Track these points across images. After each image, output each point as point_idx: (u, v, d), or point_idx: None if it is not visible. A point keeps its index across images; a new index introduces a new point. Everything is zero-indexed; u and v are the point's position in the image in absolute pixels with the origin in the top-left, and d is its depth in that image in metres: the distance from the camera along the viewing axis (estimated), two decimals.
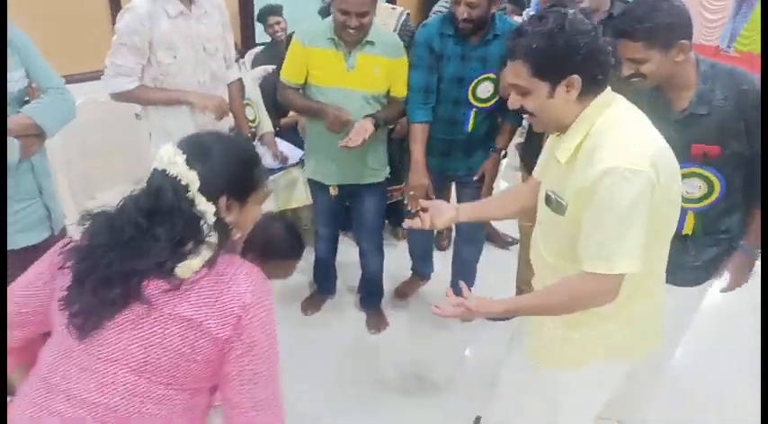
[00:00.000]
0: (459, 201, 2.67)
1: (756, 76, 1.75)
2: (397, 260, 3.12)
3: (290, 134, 3.36)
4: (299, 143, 3.21)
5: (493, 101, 2.37)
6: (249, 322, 1.06)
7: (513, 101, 1.39)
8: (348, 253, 3.06)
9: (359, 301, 2.97)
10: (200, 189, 1.06)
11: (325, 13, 3.47)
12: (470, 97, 2.35)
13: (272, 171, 3.12)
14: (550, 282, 1.47)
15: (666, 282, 1.58)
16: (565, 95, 1.31)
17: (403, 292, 3.06)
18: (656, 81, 1.67)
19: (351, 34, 2.19)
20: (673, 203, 1.37)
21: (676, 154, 1.49)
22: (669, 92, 1.71)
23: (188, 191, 1.06)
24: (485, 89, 2.33)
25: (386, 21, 2.87)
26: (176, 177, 1.06)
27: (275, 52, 3.45)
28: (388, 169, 2.58)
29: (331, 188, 2.52)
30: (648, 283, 1.44)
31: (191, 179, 1.06)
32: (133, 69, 2.22)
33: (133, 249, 1.03)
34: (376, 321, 2.85)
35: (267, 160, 3.09)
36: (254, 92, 3.15)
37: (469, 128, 2.40)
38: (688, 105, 1.67)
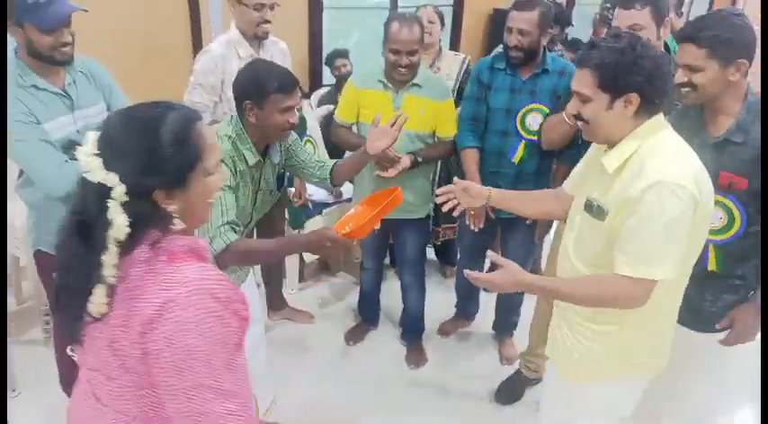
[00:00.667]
0: (505, 247, 2.73)
1: None
2: (443, 298, 3.18)
3: None
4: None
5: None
6: (150, 334, 0.96)
7: (572, 107, 1.49)
8: (394, 287, 3.15)
9: (400, 335, 3.04)
10: (128, 192, 0.96)
11: None
12: (519, 127, 2.41)
13: (328, 204, 3.29)
14: None
15: (682, 324, 1.65)
16: (622, 110, 1.41)
17: (445, 330, 3.10)
18: (704, 97, 1.68)
19: (401, 73, 2.33)
20: (707, 224, 1.46)
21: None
22: (710, 115, 1.72)
23: (111, 197, 0.96)
24: (533, 120, 2.39)
25: (450, 66, 3.06)
26: (98, 182, 0.96)
27: (338, 92, 3.67)
28: (430, 206, 2.67)
29: None
30: (671, 301, 1.51)
31: (114, 183, 0.96)
32: (207, 106, 2.48)
33: (71, 270, 1.00)
34: (415, 356, 2.89)
35: (322, 195, 3.27)
36: (315, 130, 3.35)
37: (516, 158, 2.44)
38: (725, 132, 1.68)
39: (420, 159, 2.41)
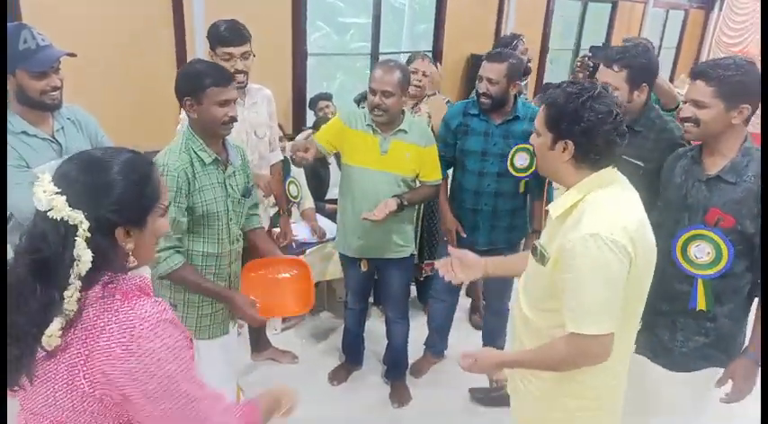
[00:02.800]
0: (486, 282, 2.79)
1: None
2: (423, 336, 3.19)
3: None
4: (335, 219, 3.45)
5: (530, 171, 2.55)
6: (116, 376, 0.99)
7: (532, 139, 1.56)
8: (377, 326, 3.18)
9: (384, 372, 3.05)
10: (91, 230, 1.00)
11: (360, 101, 3.83)
12: (510, 168, 2.56)
13: (310, 244, 3.34)
14: (524, 336, 1.61)
15: (658, 364, 1.73)
16: (560, 153, 1.45)
17: (417, 369, 3.11)
18: (705, 134, 1.76)
19: (376, 114, 2.41)
20: (643, 280, 1.47)
21: (693, 214, 1.71)
22: (708, 153, 1.80)
23: (76, 234, 0.99)
24: (521, 158, 2.55)
25: (431, 107, 3.24)
26: (61, 219, 0.99)
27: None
28: (413, 246, 2.74)
29: (362, 263, 2.69)
30: (611, 363, 1.48)
31: (79, 220, 0.99)
32: None
33: (22, 307, 0.99)
34: (399, 394, 2.90)
35: (306, 234, 3.31)
36: (298, 171, 3.42)
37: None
38: (719, 170, 1.75)
39: (405, 203, 2.48)
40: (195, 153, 1.88)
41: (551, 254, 1.46)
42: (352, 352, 3.07)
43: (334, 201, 3.64)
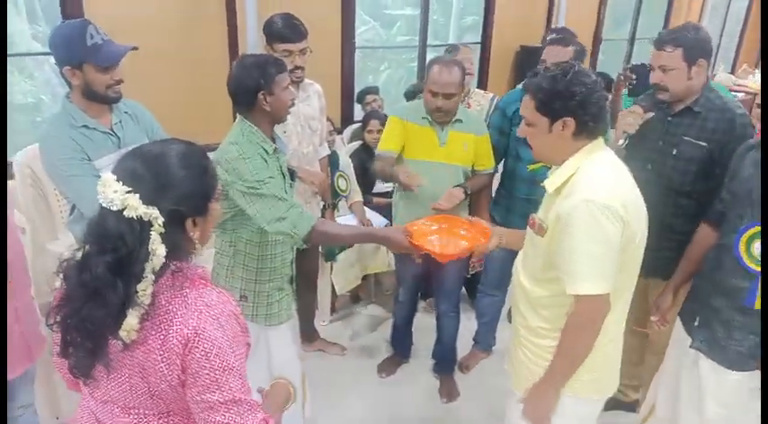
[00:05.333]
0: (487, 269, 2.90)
1: None
2: (470, 332, 3.17)
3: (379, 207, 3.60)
4: (385, 213, 3.44)
5: None
6: (191, 354, 1.04)
7: (521, 131, 1.61)
8: (424, 320, 3.16)
9: (433, 367, 3.03)
10: (165, 223, 1.04)
11: (410, 95, 3.81)
12: None
13: None
14: (521, 304, 1.67)
15: (709, 356, 1.77)
16: (560, 133, 1.50)
17: (465, 365, 3.09)
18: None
19: (439, 115, 2.42)
20: (636, 247, 1.51)
21: (757, 210, 1.72)
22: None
23: (151, 230, 1.03)
24: None
25: (481, 103, 3.27)
26: (137, 217, 1.02)
27: (365, 126, 3.77)
28: None
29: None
30: (611, 326, 1.54)
31: (154, 217, 1.03)
32: None
33: (100, 303, 1.02)
34: (448, 388, 2.89)
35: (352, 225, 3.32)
36: (347, 165, 3.44)
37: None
38: None
39: (468, 191, 2.48)
40: (260, 144, 1.90)
41: (549, 225, 1.52)
42: (401, 345, 3.07)
43: (382, 194, 3.67)
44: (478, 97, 3.33)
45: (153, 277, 1.04)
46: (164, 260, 1.04)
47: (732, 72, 8.29)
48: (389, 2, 4.95)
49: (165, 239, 1.04)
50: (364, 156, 3.62)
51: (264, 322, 2.04)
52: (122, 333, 1.02)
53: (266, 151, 1.91)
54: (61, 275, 1.08)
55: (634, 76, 2.51)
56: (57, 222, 2.66)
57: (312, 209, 2.79)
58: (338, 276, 3.25)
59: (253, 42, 3.44)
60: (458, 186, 2.46)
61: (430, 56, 4.86)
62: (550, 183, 1.55)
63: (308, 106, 2.63)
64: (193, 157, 1.12)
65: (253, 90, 1.85)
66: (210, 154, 1.24)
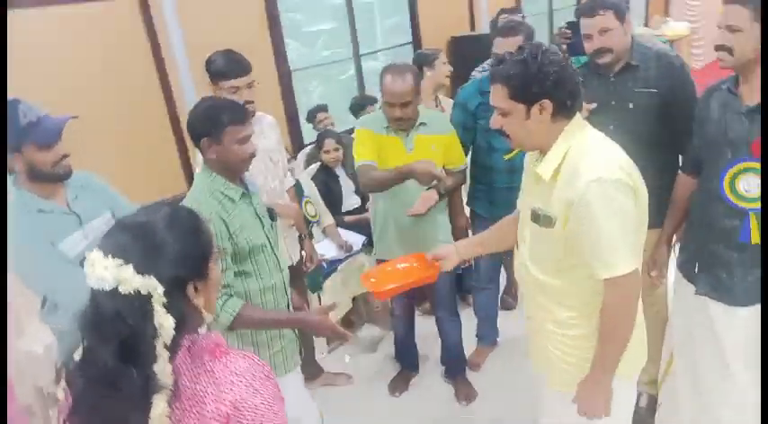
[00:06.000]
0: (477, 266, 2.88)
1: None
2: (468, 329, 3.10)
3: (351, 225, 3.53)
4: (358, 230, 3.38)
5: None
6: None
7: (495, 122, 1.53)
8: (425, 327, 3.10)
9: (443, 372, 2.99)
10: (165, 293, 0.95)
11: (357, 108, 3.78)
12: None
13: (340, 261, 3.27)
14: (541, 300, 1.61)
15: (716, 299, 1.81)
16: (539, 117, 1.45)
17: (475, 363, 3.05)
18: (739, 61, 1.70)
19: (400, 123, 2.37)
20: (644, 215, 1.50)
21: (737, 148, 1.70)
22: (744, 85, 1.75)
23: (151, 302, 0.94)
24: None
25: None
26: (134, 292, 0.93)
27: (320, 147, 3.70)
28: (452, 240, 2.66)
29: None
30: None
31: (152, 287, 0.94)
32: None
33: (119, 397, 0.92)
34: (465, 390, 2.85)
35: (333, 251, 3.25)
36: (311, 190, 3.35)
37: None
38: (759, 100, 1.69)
39: (442, 192, 2.43)
40: (222, 193, 1.79)
41: (557, 214, 1.47)
42: (408, 358, 3.01)
43: (351, 212, 3.60)
44: (447, 103, 3.36)
45: (167, 354, 0.94)
46: (173, 332, 0.95)
47: (646, 24, 8.63)
48: (305, 19, 4.87)
49: (169, 310, 0.95)
50: (325, 178, 3.55)
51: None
52: (154, 422, 0.93)
53: (231, 199, 1.80)
54: (63, 383, 0.98)
55: (570, 32, 2.57)
56: (21, 317, 2.47)
57: (290, 243, 2.70)
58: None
59: (188, 86, 3.34)
60: (431, 188, 2.41)
61: (365, 64, 4.84)
62: (544, 171, 1.49)
63: (266, 139, 2.53)
64: (182, 218, 1.05)
65: (196, 134, 1.77)
66: None
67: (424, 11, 5.15)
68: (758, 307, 1.82)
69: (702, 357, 1.98)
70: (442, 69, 3.38)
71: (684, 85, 2.15)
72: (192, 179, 3.65)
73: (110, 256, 0.94)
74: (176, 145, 3.49)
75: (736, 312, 1.85)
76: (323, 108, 4.03)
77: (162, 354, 0.94)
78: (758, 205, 1.73)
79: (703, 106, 1.89)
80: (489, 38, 2.74)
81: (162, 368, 0.93)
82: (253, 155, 1.83)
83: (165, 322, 0.94)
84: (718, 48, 1.74)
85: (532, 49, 1.44)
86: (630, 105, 2.17)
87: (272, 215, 2.00)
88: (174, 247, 0.99)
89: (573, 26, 2.52)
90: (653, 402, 2.50)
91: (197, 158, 2.41)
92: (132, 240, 0.97)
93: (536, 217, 1.55)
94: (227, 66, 2.30)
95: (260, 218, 1.90)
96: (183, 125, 3.43)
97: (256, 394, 0.99)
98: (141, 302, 0.93)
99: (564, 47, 2.88)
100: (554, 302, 1.59)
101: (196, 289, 1.02)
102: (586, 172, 1.40)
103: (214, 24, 3.54)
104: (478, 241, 1.99)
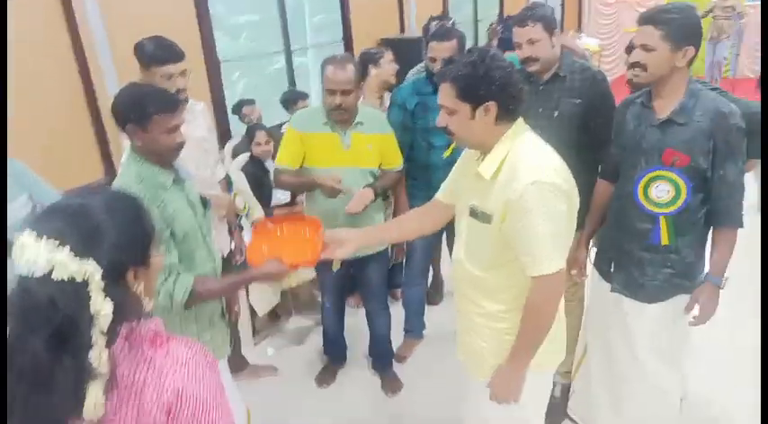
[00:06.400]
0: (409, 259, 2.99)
1: (741, 101, 1.95)
2: (396, 323, 3.18)
3: None
4: None
5: None
6: (177, 420, 0.95)
7: (441, 120, 1.59)
8: (352, 320, 3.15)
9: (371, 365, 3.04)
10: (104, 278, 0.90)
11: (287, 103, 3.77)
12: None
13: None
14: (472, 294, 1.69)
15: (629, 296, 1.96)
16: (483, 118, 1.52)
17: (402, 355, 3.13)
18: (652, 77, 1.86)
19: (339, 113, 2.37)
20: (574, 214, 1.57)
21: (650, 157, 1.84)
22: (657, 97, 1.91)
23: (88, 288, 0.89)
24: None
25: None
26: (68, 278, 0.87)
27: (250, 139, 3.67)
28: None
29: (335, 263, 2.61)
30: None
31: (89, 272, 0.89)
32: None
33: (50, 387, 0.87)
34: (391, 383, 2.92)
35: None
36: (241, 182, 3.30)
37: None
38: (670, 113, 1.86)
39: (379, 191, 2.47)
40: (151, 179, 1.73)
41: (494, 211, 1.54)
42: (336, 351, 3.04)
43: (282, 206, 3.57)
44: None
45: (104, 340, 0.89)
46: (110, 318, 0.89)
47: None
48: (227, 10, 4.77)
49: (107, 297, 0.90)
50: (255, 170, 3.50)
51: None
52: (86, 411, 0.88)
53: (162, 185, 1.74)
54: None
55: (500, 28, 2.72)
56: None
57: (220, 235, 2.65)
58: (256, 298, 3.13)
59: (110, 76, 3.20)
60: (367, 186, 2.45)
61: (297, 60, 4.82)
62: (486, 170, 1.56)
63: (198, 127, 2.48)
64: (124, 201, 1.02)
65: (122, 119, 1.70)
66: None
67: (355, 11, 5.20)
68: (666, 304, 2.01)
69: (615, 347, 2.15)
70: (388, 68, 3.41)
71: (605, 98, 2.32)
72: (111, 167, 3.57)
73: (44, 238, 0.88)
74: (95, 135, 3.35)
75: (646, 308, 2.03)
76: (250, 102, 3.99)
77: (98, 341, 0.89)
78: (668, 209, 1.90)
79: (620, 117, 2.06)
80: (424, 41, 2.84)
81: (98, 356, 0.89)
82: (181, 145, 1.78)
83: (102, 309, 0.89)
84: (634, 65, 1.90)
85: (481, 53, 1.51)
86: (556, 113, 2.32)
87: (204, 203, 1.96)
88: (116, 230, 0.94)
89: (503, 23, 2.67)
90: (566, 391, 2.68)
91: (123, 143, 2.33)
92: (70, 221, 0.92)
93: (474, 213, 1.62)
94: (160, 51, 2.23)
95: (192, 206, 1.86)
96: (104, 113, 3.34)
97: (200, 383, 0.97)
98: (77, 287, 0.88)
99: (494, 42, 3.05)
100: (485, 296, 1.67)
101: (136, 276, 0.99)
102: (525, 175, 1.47)
103: (139, 10, 3.42)
104: (380, 228, 2.06)
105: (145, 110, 1.67)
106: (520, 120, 1.59)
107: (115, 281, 0.93)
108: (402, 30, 5.81)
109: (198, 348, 1.02)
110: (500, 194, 1.52)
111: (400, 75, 3.39)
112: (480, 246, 1.64)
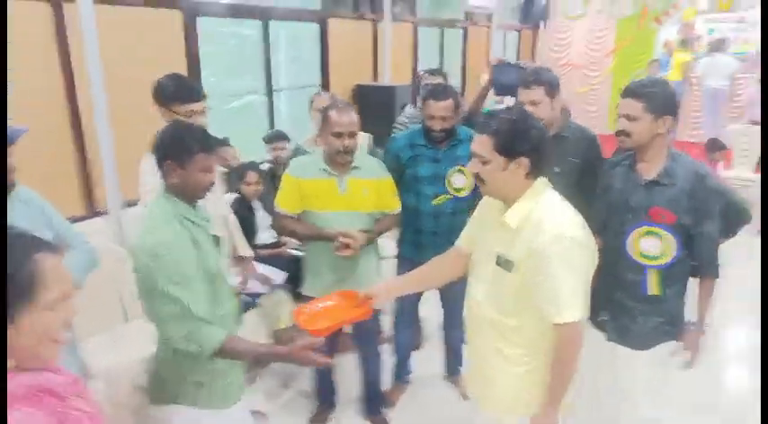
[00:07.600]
0: (443, 296, 3.00)
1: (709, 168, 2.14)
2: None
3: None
4: (272, 264, 3.34)
5: (467, 190, 2.71)
6: None
7: (473, 167, 1.70)
8: (342, 364, 3.12)
9: (362, 409, 3.03)
10: None
11: (269, 140, 3.83)
12: (448, 187, 2.72)
13: (258, 294, 3.20)
14: (487, 335, 1.77)
15: (620, 344, 2.10)
16: (515, 171, 1.64)
17: (391, 400, 3.13)
18: (636, 143, 2.03)
19: (343, 156, 2.43)
20: (593, 268, 1.69)
21: (636, 214, 2.00)
22: (641, 162, 2.07)
23: None
24: (459, 180, 2.71)
25: (359, 142, 3.27)
26: None
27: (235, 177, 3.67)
28: (381, 277, 2.77)
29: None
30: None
31: None
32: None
33: None
34: None
35: (255, 285, 3.17)
36: (231, 220, 3.26)
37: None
38: (655, 175, 2.02)
39: (374, 235, 2.53)
40: (185, 218, 1.74)
41: (517, 259, 1.64)
42: (327, 394, 3.01)
43: (269, 246, 3.55)
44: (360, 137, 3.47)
45: None
46: None
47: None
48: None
49: None
50: (241, 209, 3.48)
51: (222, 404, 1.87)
52: None
53: (192, 222, 1.76)
54: None
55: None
56: None
57: None
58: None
59: (99, 107, 3.15)
60: (363, 230, 2.48)
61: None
62: (512, 219, 1.66)
63: None
64: (10, 252, 0.92)
65: (163, 155, 1.73)
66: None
67: (332, 57, 5.34)
68: (655, 350, 2.14)
69: (605, 391, 2.26)
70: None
71: (598, 158, 2.51)
72: (91, 201, 3.46)
73: None
74: (77, 166, 3.27)
75: (637, 354, 2.16)
76: (226, 142, 3.99)
77: None
78: (657, 262, 2.04)
79: (608, 176, 2.22)
80: (416, 87, 2.96)
81: None
82: (212, 184, 1.81)
83: None
84: (619, 133, 2.08)
85: (519, 111, 1.65)
86: (557, 169, 2.44)
87: (216, 241, 1.97)
88: None
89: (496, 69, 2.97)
90: None
91: (142, 180, 2.29)
92: None
93: (500, 261, 1.70)
94: (183, 89, 2.26)
95: (215, 244, 1.86)
96: (89, 145, 3.26)
97: None
98: None
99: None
100: (504, 339, 1.74)
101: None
102: (550, 228, 1.58)
103: (132, 41, 3.41)
104: (406, 280, 2.13)
105: (188, 147, 1.70)
106: (543, 178, 1.70)
107: None
108: (375, 78, 5.99)
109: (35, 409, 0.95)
110: (526, 244, 1.62)
111: (371, 118, 3.48)
112: (502, 292, 1.72)
